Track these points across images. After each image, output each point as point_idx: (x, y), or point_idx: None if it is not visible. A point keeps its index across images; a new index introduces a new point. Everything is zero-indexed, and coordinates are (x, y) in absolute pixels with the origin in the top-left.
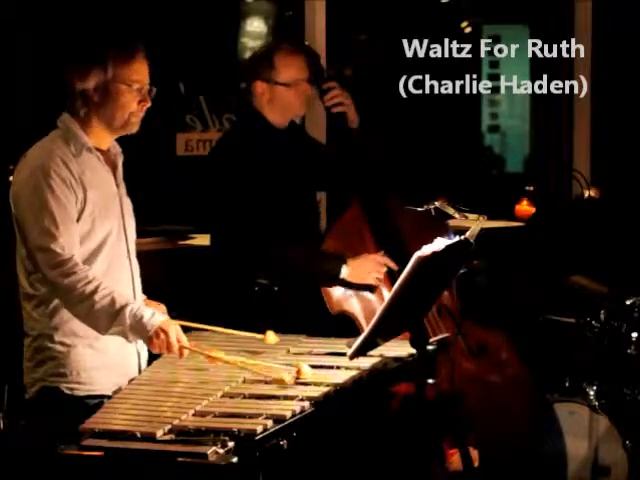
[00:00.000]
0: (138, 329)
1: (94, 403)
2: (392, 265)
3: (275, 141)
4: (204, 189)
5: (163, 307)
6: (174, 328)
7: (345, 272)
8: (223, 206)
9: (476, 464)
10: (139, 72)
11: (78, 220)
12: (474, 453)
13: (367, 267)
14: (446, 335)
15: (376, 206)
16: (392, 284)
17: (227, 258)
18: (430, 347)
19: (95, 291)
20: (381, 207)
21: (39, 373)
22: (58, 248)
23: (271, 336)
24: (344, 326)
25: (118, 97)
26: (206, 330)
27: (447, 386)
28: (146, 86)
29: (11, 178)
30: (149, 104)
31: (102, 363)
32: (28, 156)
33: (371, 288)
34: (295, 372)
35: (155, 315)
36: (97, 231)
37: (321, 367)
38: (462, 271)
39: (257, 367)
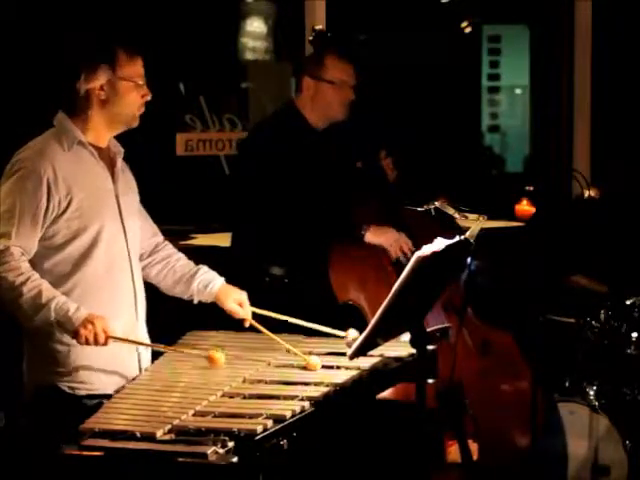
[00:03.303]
0: (64, 323)
1: (94, 403)
2: (410, 243)
3: (308, 138)
4: (234, 176)
5: (244, 295)
6: (100, 320)
7: (366, 232)
8: (253, 192)
9: (475, 457)
10: (140, 66)
11: (61, 217)
12: (473, 446)
13: (388, 231)
14: (448, 325)
15: (391, 209)
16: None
17: (248, 246)
18: (430, 347)
19: (24, 282)
20: (396, 210)
21: (38, 372)
22: (3, 240)
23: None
24: (351, 318)
25: (125, 94)
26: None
27: (447, 376)
28: (143, 78)
29: None
30: (150, 96)
31: (102, 363)
32: (21, 149)
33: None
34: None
35: (80, 309)
36: (88, 227)
37: (321, 367)
38: (472, 268)
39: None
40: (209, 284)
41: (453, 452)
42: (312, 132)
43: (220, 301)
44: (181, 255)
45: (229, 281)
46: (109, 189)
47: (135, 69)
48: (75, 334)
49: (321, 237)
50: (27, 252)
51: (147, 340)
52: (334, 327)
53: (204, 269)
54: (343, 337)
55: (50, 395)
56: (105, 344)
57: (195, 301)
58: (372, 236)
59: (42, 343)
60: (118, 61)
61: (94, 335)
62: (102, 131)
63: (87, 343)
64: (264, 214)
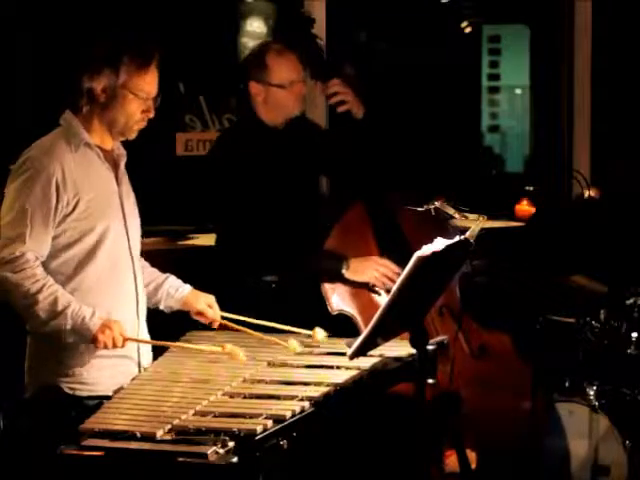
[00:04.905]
0: (80, 329)
1: (94, 404)
2: (393, 267)
3: (270, 141)
4: (204, 189)
5: (213, 297)
6: (117, 323)
7: (346, 270)
8: (222, 206)
9: (473, 466)
10: (150, 83)
11: (68, 217)
12: (471, 455)
13: (367, 265)
14: (444, 337)
15: (379, 205)
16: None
17: (231, 256)
18: (430, 347)
19: (40, 290)
20: (384, 206)
21: (41, 372)
22: (17, 245)
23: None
24: (345, 325)
25: (124, 104)
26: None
27: (446, 386)
28: (152, 96)
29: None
30: (152, 115)
31: (105, 363)
32: (28, 149)
33: (373, 289)
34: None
35: (95, 314)
36: (94, 228)
37: (321, 367)
38: (465, 271)
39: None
40: (179, 288)
41: (452, 462)
42: (273, 132)
43: (188, 304)
44: (147, 263)
45: (217, 285)
46: (114, 190)
47: (141, 82)
48: (94, 340)
49: (308, 245)
50: (41, 255)
51: (148, 339)
52: (328, 334)
53: (173, 277)
54: (310, 336)
55: (50, 395)
56: (122, 347)
57: (161, 307)
58: (352, 274)
59: (45, 344)
60: (125, 69)
61: (112, 339)
62: (105, 134)
63: (105, 347)
64: (246, 222)
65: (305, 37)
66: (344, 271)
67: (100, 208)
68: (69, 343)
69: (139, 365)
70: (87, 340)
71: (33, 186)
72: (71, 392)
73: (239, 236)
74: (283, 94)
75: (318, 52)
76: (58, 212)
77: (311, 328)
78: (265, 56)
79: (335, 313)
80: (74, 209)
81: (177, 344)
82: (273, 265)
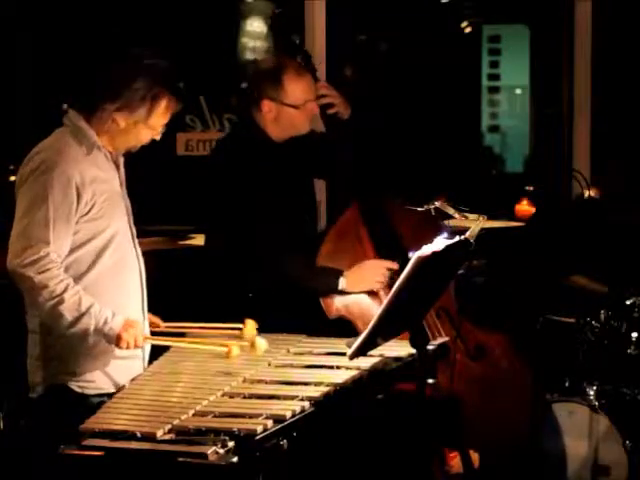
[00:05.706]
0: (104, 329)
1: (101, 401)
2: (391, 265)
3: (272, 154)
4: (202, 195)
5: (158, 320)
6: (138, 323)
7: (343, 284)
8: (219, 214)
9: (476, 466)
10: (168, 117)
11: (83, 218)
12: (474, 456)
13: (365, 275)
14: (445, 339)
15: (374, 208)
16: (390, 286)
17: (221, 263)
18: (430, 347)
19: (65, 290)
20: (379, 209)
21: (47, 371)
22: (41, 245)
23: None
24: (343, 327)
25: (139, 135)
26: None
27: (446, 389)
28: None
29: (12, 178)
30: (159, 138)
31: (112, 361)
32: (39, 149)
33: (372, 292)
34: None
35: (115, 314)
36: (106, 228)
37: (321, 367)
38: (461, 271)
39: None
40: None
41: (456, 464)
42: (275, 146)
43: None
44: None
45: (213, 289)
46: (119, 190)
47: (165, 119)
48: (117, 339)
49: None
50: (61, 256)
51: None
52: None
53: None
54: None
55: (58, 394)
56: (142, 347)
57: None
58: (352, 286)
59: (51, 341)
60: (156, 109)
61: (134, 338)
62: (109, 138)
63: (127, 347)
64: (245, 230)
65: (291, 41)
66: (342, 287)
67: (110, 209)
68: (75, 342)
69: (143, 364)
70: (110, 340)
71: (53, 188)
72: (80, 390)
73: (236, 244)
74: (295, 113)
75: (304, 56)
76: (77, 214)
77: (311, 332)
78: (281, 75)
79: (333, 318)
80: (90, 210)
81: (197, 345)
82: (266, 278)
